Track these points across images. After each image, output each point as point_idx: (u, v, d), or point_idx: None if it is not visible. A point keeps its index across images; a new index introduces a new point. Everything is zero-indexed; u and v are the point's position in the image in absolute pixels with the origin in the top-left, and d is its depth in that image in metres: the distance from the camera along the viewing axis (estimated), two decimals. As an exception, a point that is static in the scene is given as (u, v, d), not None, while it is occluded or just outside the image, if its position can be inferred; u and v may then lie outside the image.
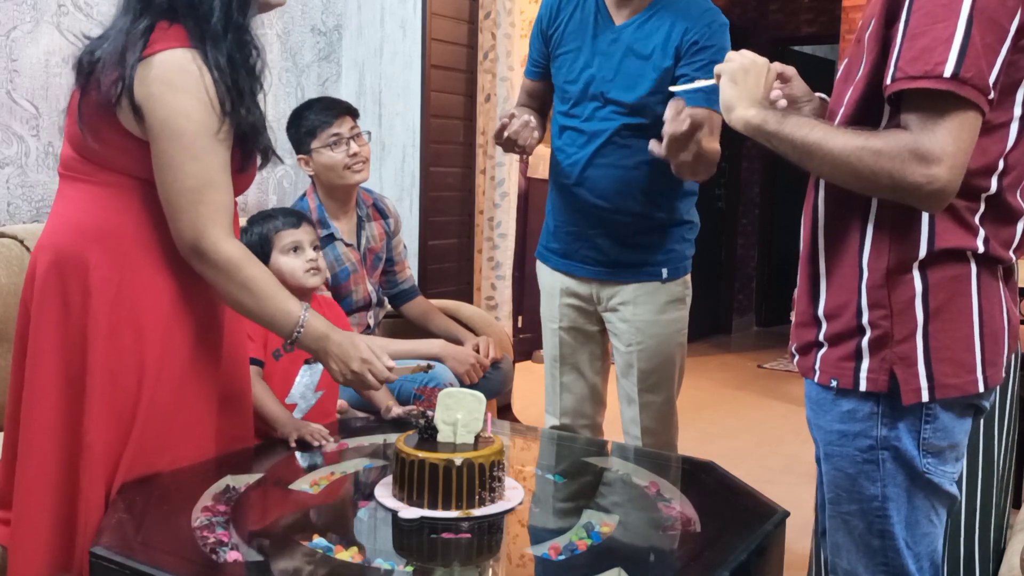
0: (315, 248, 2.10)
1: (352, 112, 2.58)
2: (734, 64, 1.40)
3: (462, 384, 2.49)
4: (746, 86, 1.38)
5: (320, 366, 2.04)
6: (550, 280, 2.34)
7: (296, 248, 2.06)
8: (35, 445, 1.56)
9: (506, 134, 2.05)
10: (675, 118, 1.82)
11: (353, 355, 1.61)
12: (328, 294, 2.44)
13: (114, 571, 1.28)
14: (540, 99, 2.34)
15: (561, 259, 2.29)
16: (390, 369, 1.63)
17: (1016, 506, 2.18)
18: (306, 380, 2.05)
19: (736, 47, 1.82)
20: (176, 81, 1.50)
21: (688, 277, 2.27)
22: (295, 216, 2.11)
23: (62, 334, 1.56)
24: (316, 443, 1.79)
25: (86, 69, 1.57)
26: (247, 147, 1.62)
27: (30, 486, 1.55)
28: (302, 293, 2.05)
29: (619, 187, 2.14)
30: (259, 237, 2.06)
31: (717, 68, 1.43)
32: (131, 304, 1.56)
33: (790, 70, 1.48)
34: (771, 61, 1.45)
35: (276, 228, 2.07)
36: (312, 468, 1.69)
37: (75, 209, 1.59)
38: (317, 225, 2.35)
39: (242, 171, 1.63)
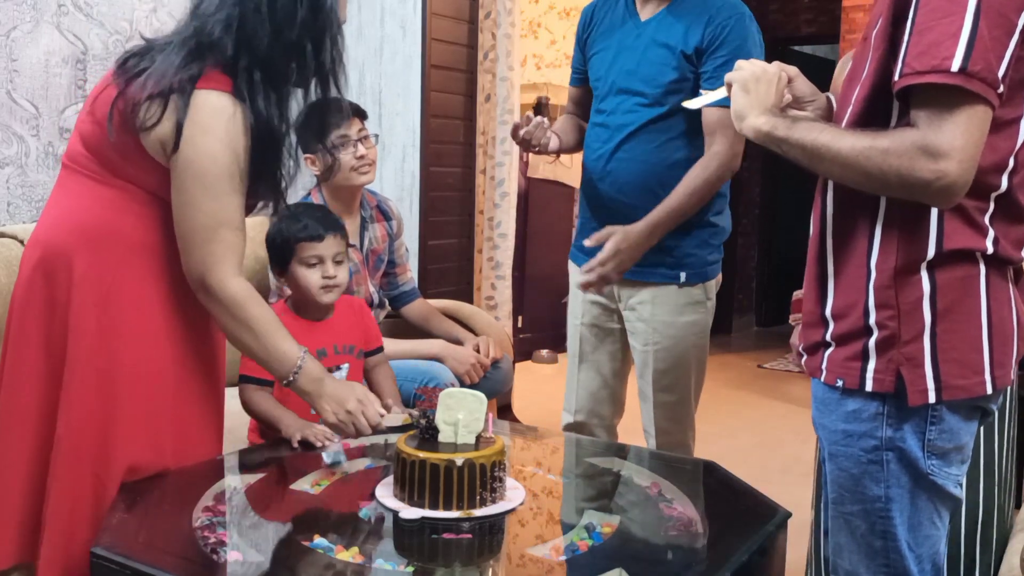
0: (338, 261, 2.03)
1: (361, 114, 2.57)
2: (745, 73, 1.39)
3: (462, 384, 2.49)
4: (757, 94, 1.37)
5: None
6: (576, 278, 2.33)
7: (317, 261, 2.01)
8: (13, 434, 1.57)
9: (521, 133, 2.15)
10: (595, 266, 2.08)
11: (349, 396, 1.66)
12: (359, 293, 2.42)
13: (115, 571, 1.27)
14: (582, 105, 2.40)
15: (586, 257, 2.28)
16: (381, 416, 1.68)
17: (1018, 506, 2.18)
18: None
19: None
20: (208, 124, 1.51)
21: (711, 283, 2.23)
22: (322, 225, 2.02)
23: (46, 329, 1.57)
24: (319, 443, 1.79)
25: (130, 72, 1.56)
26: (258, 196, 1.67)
27: (1, 476, 1.56)
28: (318, 308, 2.04)
29: (640, 182, 2.14)
30: (282, 240, 2.01)
31: (728, 77, 1.43)
32: (120, 306, 1.57)
33: (792, 70, 1.48)
34: (770, 62, 1.45)
35: (298, 237, 2.00)
36: (313, 468, 1.69)
37: (76, 205, 1.60)
38: None
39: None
